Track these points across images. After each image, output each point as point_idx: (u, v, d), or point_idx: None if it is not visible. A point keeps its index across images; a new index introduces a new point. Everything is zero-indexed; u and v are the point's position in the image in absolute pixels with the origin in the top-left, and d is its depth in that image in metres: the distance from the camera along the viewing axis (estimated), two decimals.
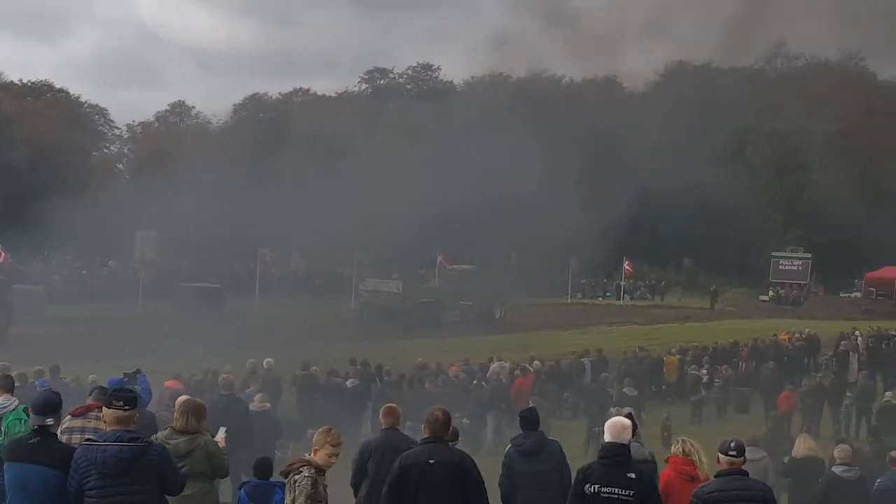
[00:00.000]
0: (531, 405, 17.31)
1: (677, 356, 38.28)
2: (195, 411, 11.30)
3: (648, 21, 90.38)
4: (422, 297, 58.57)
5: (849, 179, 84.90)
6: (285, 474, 9.65)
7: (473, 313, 58.77)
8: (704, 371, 35.87)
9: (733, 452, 9.99)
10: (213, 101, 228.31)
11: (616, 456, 10.21)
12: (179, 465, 10.41)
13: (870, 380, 34.40)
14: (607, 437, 10.37)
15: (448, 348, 41.64)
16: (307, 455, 9.80)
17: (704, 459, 13.47)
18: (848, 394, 34.36)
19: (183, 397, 12.53)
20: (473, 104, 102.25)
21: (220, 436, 11.76)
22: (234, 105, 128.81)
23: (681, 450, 12.93)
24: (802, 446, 17.55)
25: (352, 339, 44.74)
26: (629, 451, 10.46)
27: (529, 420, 13.11)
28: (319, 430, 10.06)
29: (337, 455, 9.84)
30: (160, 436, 10.98)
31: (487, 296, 61.18)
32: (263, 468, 11.65)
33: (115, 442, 9.05)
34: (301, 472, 9.52)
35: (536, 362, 33.59)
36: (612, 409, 23.10)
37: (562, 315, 66.15)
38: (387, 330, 50.75)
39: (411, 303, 57.15)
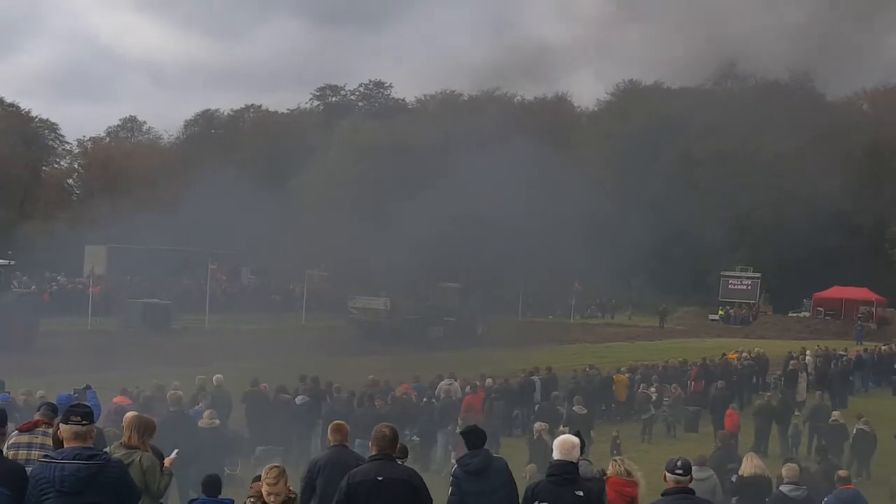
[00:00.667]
0: (472, 423, 17.28)
1: (627, 375, 38.43)
2: (139, 427, 11.22)
3: (600, 41, 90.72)
4: (408, 314, 59.93)
5: (797, 200, 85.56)
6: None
7: (457, 329, 60.20)
8: (654, 390, 35.99)
9: (680, 471, 10.02)
10: (165, 117, 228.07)
11: (565, 474, 10.23)
12: None
13: (822, 399, 34.67)
14: (556, 455, 10.39)
15: (391, 366, 41.52)
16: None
17: (642, 481, 13.58)
18: (797, 413, 34.66)
19: (131, 413, 12.44)
20: (426, 122, 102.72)
21: (171, 457, 11.68)
22: (186, 121, 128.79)
23: (622, 470, 13.00)
24: (750, 465, 17.66)
25: (303, 355, 44.67)
26: (577, 469, 10.49)
27: (473, 438, 13.12)
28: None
29: (275, 494, 9.85)
30: (107, 450, 10.87)
31: (470, 313, 62.93)
32: (212, 486, 11.59)
33: (73, 460, 8.90)
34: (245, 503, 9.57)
35: (488, 380, 33.58)
36: (536, 426, 23.36)
37: (536, 331, 66.76)
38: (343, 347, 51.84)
39: (399, 319, 58.56)
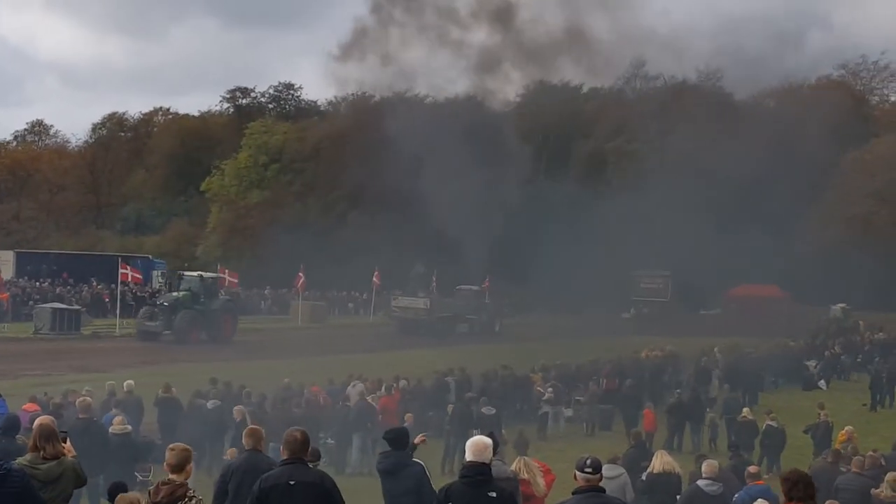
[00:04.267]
0: (400, 425, 17.39)
1: (541, 374, 38.57)
2: (55, 434, 11.05)
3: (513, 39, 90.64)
4: (442, 313, 67.82)
5: (707, 197, 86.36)
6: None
7: (479, 326, 70.03)
8: (549, 388, 36.03)
9: (589, 469, 10.03)
10: (75, 119, 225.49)
11: (478, 475, 10.22)
12: (48, 490, 10.24)
13: (733, 393, 35.20)
14: (468, 457, 10.39)
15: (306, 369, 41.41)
16: (173, 477, 9.62)
17: (540, 480, 13.67)
18: (708, 410, 35.02)
19: (41, 420, 12.23)
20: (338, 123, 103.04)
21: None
22: (93, 124, 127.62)
23: (518, 468, 13.13)
24: (660, 462, 17.81)
25: (217, 359, 44.66)
26: (490, 469, 10.49)
27: (393, 440, 13.17)
28: (171, 451, 9.92)
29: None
30: (24, 460, 10.69)
31: (490, 312, 72.95)
32: (118, 492, 11.46)
33: None
34: (192, 498, 9.37)
35: (402, 381, 33.59)
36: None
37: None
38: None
39: (435, 317, 66.67)
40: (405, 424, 26.37)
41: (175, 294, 56.78)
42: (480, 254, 74.84)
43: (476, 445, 10.40)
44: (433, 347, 55.67)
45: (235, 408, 25.26)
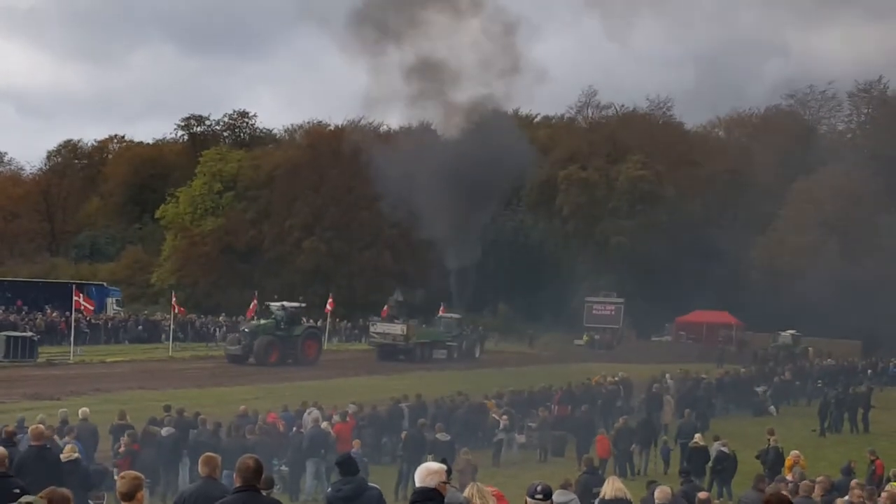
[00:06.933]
0: (349, 451, 17.49)
1: (494, 400, 38.76)
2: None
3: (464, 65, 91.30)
4: (420, 339, 69.63)
5: (658, 225, 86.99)
6: None
7: (458, 352, 71.60)
8: (504, 415, 36.24)
9: (539, 496, 10.21)
10: (30, 146, 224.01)
11: (427, 501, 10.39)
12: None
13: (688, 420, 35.63)
14: (417, 483, 10.57)
15: (263, 395, 41.51)
16: None
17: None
18: (663, 435, 35.32)
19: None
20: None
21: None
22: (48, 151, 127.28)
23: (471, 494, 13.35)
24: (611, 488, 18.02)
25: (172, 385, 44.82)
26: (440, 495, 10.66)
27: (345, 466, 13.32)
28: (122, 479, 10.06)
29: None
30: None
31: (470, 338, 74.70)
32: None
33: None
34: None
35: (352, 406, 33.68)
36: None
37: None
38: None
39: (413, 343, 68.52)
40: (353, 451, 26.61)
41: (257, 322, 63.42)
42: (466, 282, 79.14)
43: (421, 472, 10.57)
44: (398, 374, 57.07)
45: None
